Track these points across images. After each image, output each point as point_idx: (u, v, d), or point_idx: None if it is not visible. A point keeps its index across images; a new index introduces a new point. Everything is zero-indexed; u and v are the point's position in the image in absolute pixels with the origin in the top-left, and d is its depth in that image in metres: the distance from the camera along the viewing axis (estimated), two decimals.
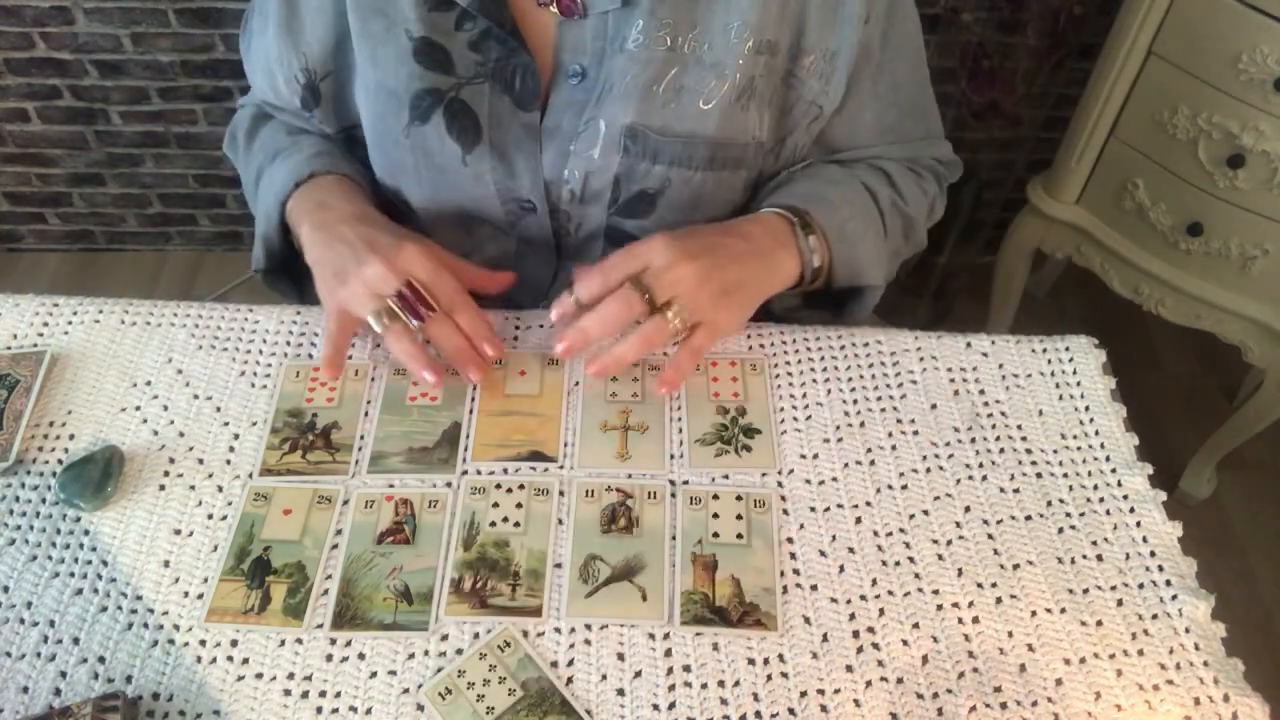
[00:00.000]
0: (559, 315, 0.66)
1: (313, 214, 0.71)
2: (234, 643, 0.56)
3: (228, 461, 0.64)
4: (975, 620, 0.58)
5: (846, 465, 0.65)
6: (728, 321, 0.68)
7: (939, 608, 0.58)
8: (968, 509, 0.63)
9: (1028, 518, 0.63)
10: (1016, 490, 0.64)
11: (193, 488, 0.63)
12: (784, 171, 0.79)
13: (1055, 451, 0.66)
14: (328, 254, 0.68)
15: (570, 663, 0.55)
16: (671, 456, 0.65)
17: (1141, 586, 0.60)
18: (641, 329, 0.64)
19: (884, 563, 0.60)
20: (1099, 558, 0.61)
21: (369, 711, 0.54)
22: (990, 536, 0.62)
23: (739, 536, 0.61)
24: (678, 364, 0.66)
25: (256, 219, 0.79)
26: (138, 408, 0.67)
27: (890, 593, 0.59)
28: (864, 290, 0.77)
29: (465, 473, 0.64)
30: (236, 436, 0.66)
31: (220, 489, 0.63)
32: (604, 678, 0.55)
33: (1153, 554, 0.61)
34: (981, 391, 0.69)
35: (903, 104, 0.78)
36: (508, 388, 0.68)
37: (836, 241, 0.72)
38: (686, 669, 0.55)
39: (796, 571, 0.60)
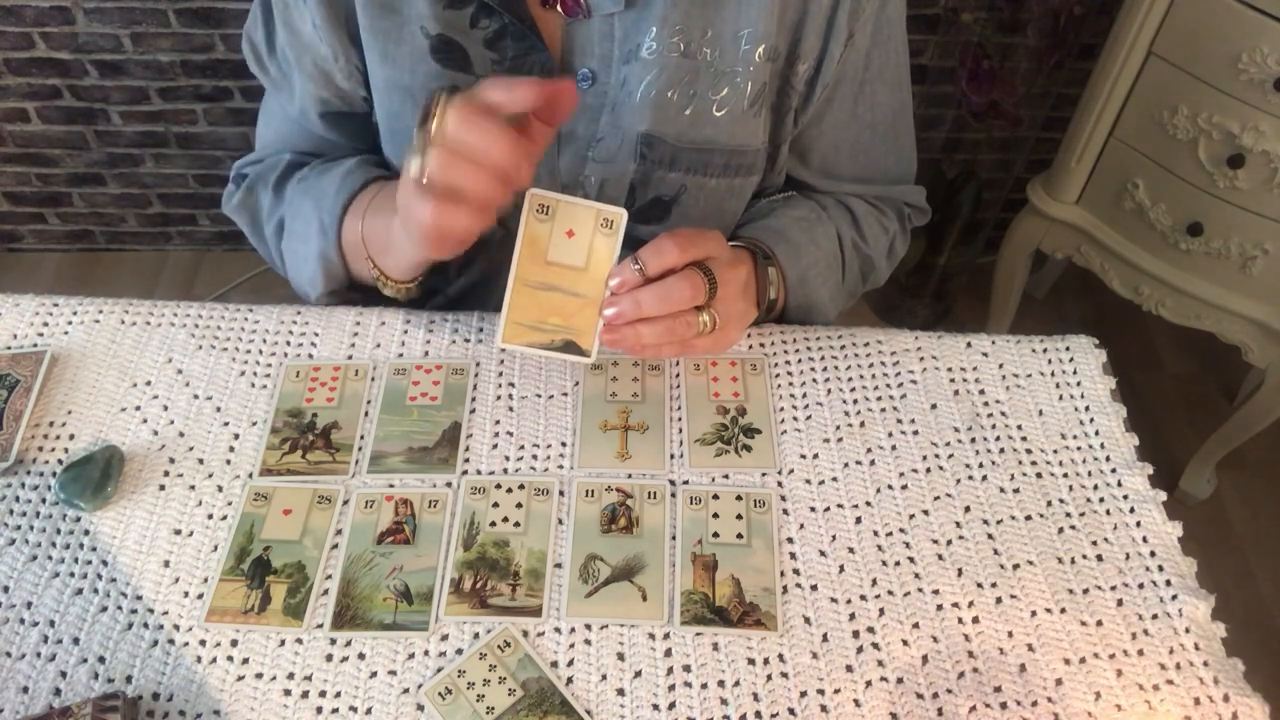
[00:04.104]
0: (620, 284, 0.60)
1: (390, 205, 0.64)
2: (234, 643, 0.56)
3: (228, 461, 0.64)
4: (975, 620, 0.58)
5: (846, 465, 0.65)
6: (733, 338, 0.69)
7: (939, 608, 0.58)
8: (968, 509, 0.63)
9: (1028, 518, 0.63)
10: (1016, 490, 0.64)
11: (193, 488, 0.63)
12: (763, 201, 0.80)
13: (1055, 451, 0.66)
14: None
15: (570, 663, 0.55)
16: (671, 456, 0.65)
17: (1141, 586, 0.60)
18: (674, 317, 0.61)
19: (884, 563, 0.60)
20: (1099, 558, 0.61)
21: (369, 711, 0.54)
22: (990, 536, 0.62)
23: (739, 536, 0.61)
24: (661, 346, 0.62)
25: (306, 244, 0.74)
26: (138, 408, 0.67)
27: (890, 593, 0.59)
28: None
29: (465, 473, 0.64)
30: (236, 436, 0.66)
31: (220, 489, 0.63)
32: (604, 678, 0.55)
33: (1153, 554, 0.61)
34: (981, 391, 0.69)
35: (879, 126, 0.78)
36: (551, 251, 0.60)
37: (796, 286, 0.74)
38: (686, 669, 0.55)
39: (796, 571, 0.60)
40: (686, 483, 0.64)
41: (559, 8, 0.68)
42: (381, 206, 0.69)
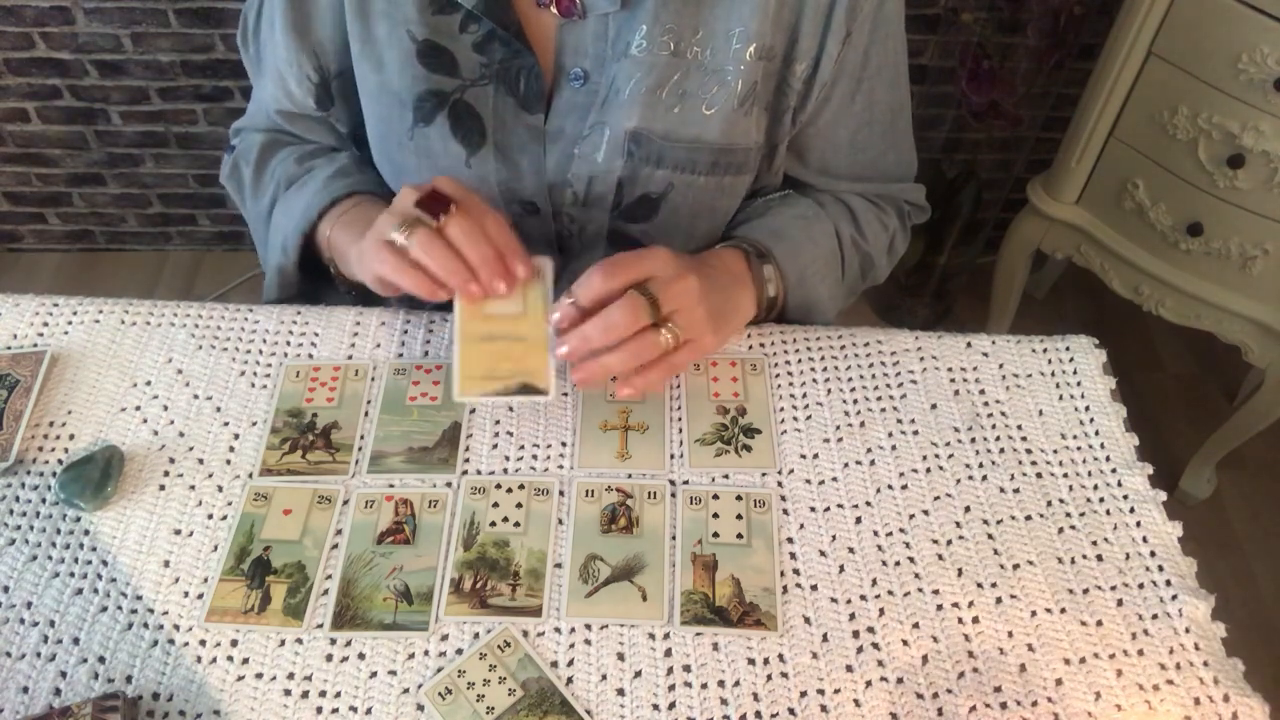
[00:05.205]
0: (560, 318, 0.61)
1: (350, 230, 0.71)
2: (234, 643, 0.56)
3: (228, 461, 0.64)
4: (975, 620, 0.58)
5: (846, 465, 0.65)
6: (712, 345, 0.66)
7: (939, 608, 0.58)
8: (968, 509, 0.63)
9: (1028, 518, 0.63)
10: (1016, 490, 0.64)
11: (193, 488, 0.63)
12: (760, 200, 0.80)
13: (1055, 451, 0.66)
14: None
15: (570, 663, 0.55)
16: (671, 456, 0.65)
17: (1141, 586, 0.60)
18: (632, 340, 0.60)
19: (884, 563, 0.60)
20: (1099, 558, 0.61)
21: (369, 711, 0.54)
22: (990, 536, 0.62)
23: (739, 536, 0.61)
24: (649, 377, 0.62)
25: (269, 251, 0.79)
26: (138, 408, 0.67)
27: (890, 593, 0.59)
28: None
29: (465, 473, 0.64)
30: (236, 436, 0.66)
31: (220, 489, 0.63)
32: (604, 678, 0.55)
33: (1153, 554, 0.61)
34: (981, 391, 0.69)
35: (877, 124, 0.78)
36: (487, 306, 0.62)
37: (795, 285, 0.73)
38: (686, 669, 0.55)
39: (796, 571, 0.60)
40: (686, 483, 0.64)
41: (554, 8, 0.68)
42: (351, 223, 0.72)
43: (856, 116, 0.76)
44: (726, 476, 0.64)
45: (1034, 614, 0.58)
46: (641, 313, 0.60)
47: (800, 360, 0.71)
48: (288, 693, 0.54)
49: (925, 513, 0.63)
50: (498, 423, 0.67)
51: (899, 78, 0.77)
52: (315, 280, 0.80)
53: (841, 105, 0.75)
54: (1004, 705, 0.55)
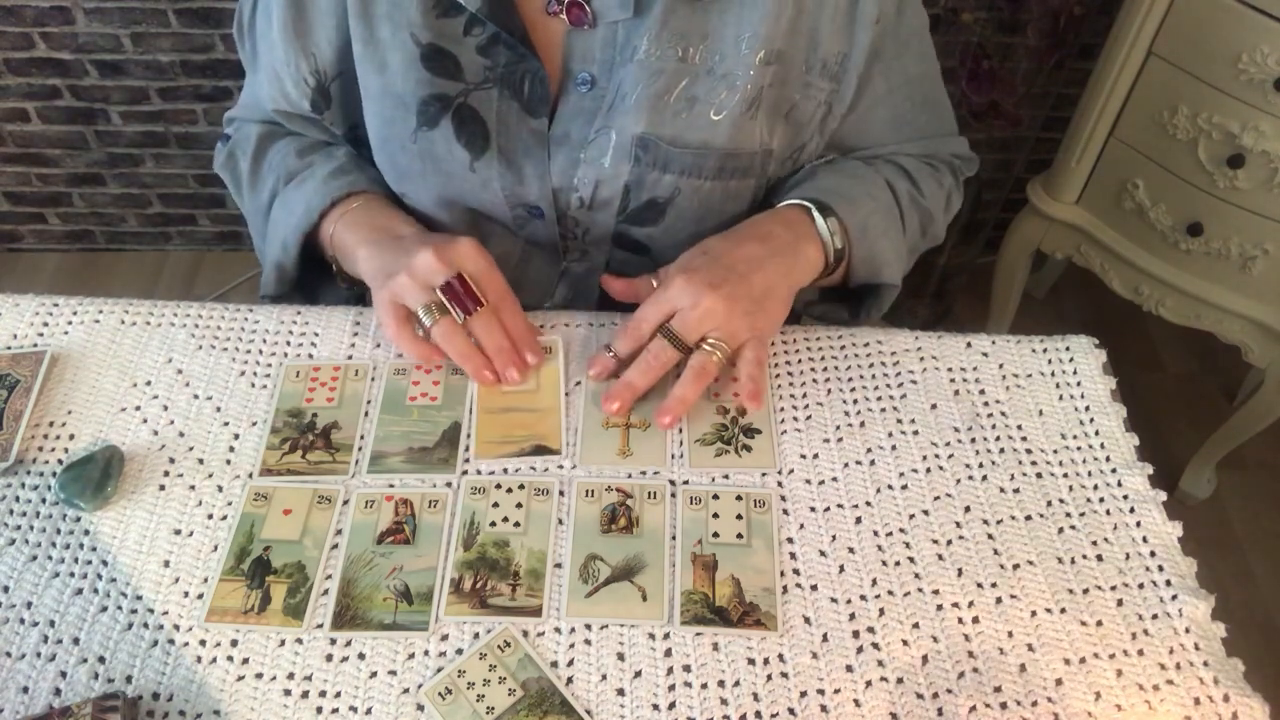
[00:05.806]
0: (600, 372, 0.67)
1: (356, 232, 0.72)
2: (234, 643, 0.56)
3: (228, 461, 0.64)
4: (975, 620, 0.58)
5: (846, 465, 0.65)
6: (769, 327, 0.68)
7: (939, 608, 0.58)
8: (968, 509, 0.63)
9: (1028, 518, 0.63)
10: (1016, 490, 0.64)
11: (193, 488, 0.63)
12: (806, 166, 0.79)
13: (1055, 451, 0.66)
14: (383, 257, 0.68)
15: (570, 663, 0.55)
16: (672, 456, 0.65)
17: (1141, 586, 0.60)
18: (691, 366, 0.64)
19: (884, 563, 0.60)
20: (1099, 558, 0.61)
21: (369, 711, 0.54)
22: (990, 536, 0.62)
23: (739, 536, 0.61)
24: (753, 378, 0.65)
25: (268, 246, 0.79)
26: (138, 408, 0.67)
27: (890, 593, 0.59)
28: (880, 289, 0.78)
29: (465, 473, 0.64)
30: (236, 436, 0.66)
31: (220, 489, 0.63)
32: (604, 678, 0.55)
33: (1153, 554, 0.61)
34: (982, 391, 0.69)
35: (915, 97, 0.78)
36: (504, 384, 0.68)
37: (858, 238, 0.73)
38: (686, 669, 0.55)
39: (796, 571, 0.60)
40: (686, 483, 0.64)
41: (564, 15, 0.68)
42: (355, 223, 0.73)
43: (893, 94, 0.76)
44: (726, 476, 0.64)
45: (1034, 614, 0.58)
46: (669, 354, 0.65)
47: (800, 360, 0.71)
48: (288, 693, 0.54)
49: (925, 513, 0.63)
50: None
51: (926, 46, 0.77)
52: (314, 275, 0.80)
53: (877, 87, 0.75)
54: (1004, 705, 0.55)
